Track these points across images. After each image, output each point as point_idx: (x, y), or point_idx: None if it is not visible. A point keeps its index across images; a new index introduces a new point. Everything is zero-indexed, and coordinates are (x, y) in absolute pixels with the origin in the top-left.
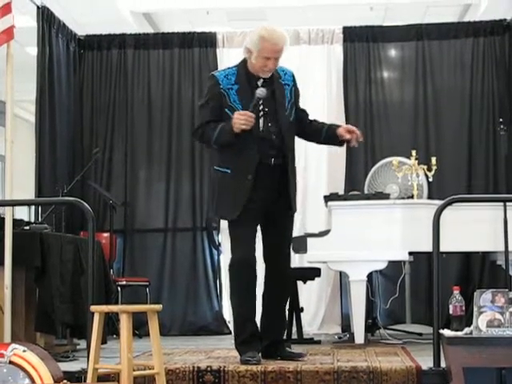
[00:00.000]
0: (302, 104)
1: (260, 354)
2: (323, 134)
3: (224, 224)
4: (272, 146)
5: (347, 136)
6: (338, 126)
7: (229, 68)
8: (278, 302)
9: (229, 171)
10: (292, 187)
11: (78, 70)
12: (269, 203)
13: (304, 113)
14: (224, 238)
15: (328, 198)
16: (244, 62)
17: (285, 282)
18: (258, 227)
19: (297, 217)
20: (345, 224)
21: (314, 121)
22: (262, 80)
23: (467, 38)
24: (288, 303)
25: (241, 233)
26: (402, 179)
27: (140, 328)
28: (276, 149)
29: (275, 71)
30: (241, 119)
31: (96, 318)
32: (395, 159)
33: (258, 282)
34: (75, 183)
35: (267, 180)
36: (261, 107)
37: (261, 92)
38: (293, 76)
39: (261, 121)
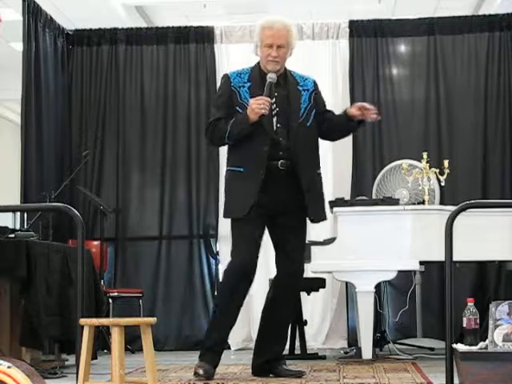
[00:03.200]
0: None
1: (213, 371)
2: (341, 123)
3: (223, 231)
4: (281, 148)
5: (357, 113)
6: (347, 108)
7: (243, 68)
8: (282, 317)
9: (242, 169)
10: (309, 196)
11: (66, 66)
12: (279, 210)
13: (329, 113)
14: (222, 246)
15: (333, 204)
16: (259, 62)
17: (292, 296)
18: (269, 237)
19: None
20: (351, 231)
21: (333, 115)
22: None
23: (482, 32)
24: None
25: (245, 236)
26: (412, 183)
27: (132, 342)
28: (284, 151)
29: (293, 77)
30: (259, 103)
31: (86, 331)
32: (405, 162)
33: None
34: (63, 188)
35: (276, 183)
36: (274, 106)
37: (272, 75)
38: (314, 83)
39: (274, 119)
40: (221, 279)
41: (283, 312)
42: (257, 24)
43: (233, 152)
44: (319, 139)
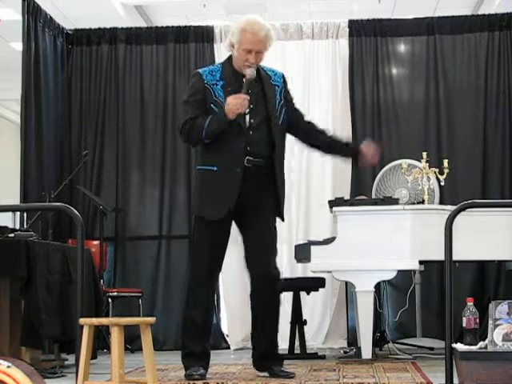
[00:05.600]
0: (306, 103)
1: (204, 371)
2: (338, 146)
3: None
4: (250, 144)
5: (369, 153)
6: (356, 144)
7: (213, 65)
8: (264, 313)
9: (215, 168)
10: (281, 192)
11: (66, 66)
12: (248, 207)
13: (298, 112)
14: None
15: (333, 203)
16: (229, 58)
17: (270, 289)
18: (237, 231)
19: (300, 223)
20: (351, 231)
21: (322, 131)
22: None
23: (482, 32)
24: (290, 316)
25: (212, 240)
26: (411, 183)
27: (132, 342)
28: (255, 148)
29: (265, 72)
30: (238, 102)
31: (85, 331)
32: (405, 162)
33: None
34: (63, 188)
35: (247, 180)
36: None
37: (251, 73)
38: (283, 77)
39: (247, 117)
40: (188, 286)
41: (265, 311)
42: (238, 23)
43: (205, 150)
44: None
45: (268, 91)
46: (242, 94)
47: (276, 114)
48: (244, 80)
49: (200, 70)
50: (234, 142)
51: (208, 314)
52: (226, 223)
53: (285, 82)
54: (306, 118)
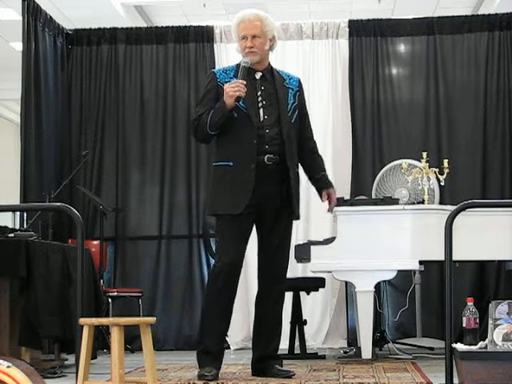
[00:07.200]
0: (306, 103)
1: (216, 372)
2: (313, 179)
3: None
4: (266, 141)
5: (325, 199)
6: (328, 185)
7: (229, 65)
8: (269, 315)
9: (231, 164)
10: (295, 191)
11: (65, 66)
12: (267, 206)
13: (306, 123)
14: None
15: None
16: None
17: (278, 293)
18: (254, 232)
19: (300, 223)
20: (351, 231)
21: (317, 156)
22: (260, 73)
23: (482, 31)
24: (290, 316)
25: (235, 235)
26: (411, 183)
27: (132, 342)
28: (270, 145)
29: (279, 75)
30: (232, 86)
31: (85, 331)
32: (405, 162)
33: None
34: (63, 188)
35: (265, 178)
36: (259, 98)
37: (246, 59)
38: (299, 82)
39: (261, 111)
40: (208, 281)
41: (270, 310)
42: (233, 21)
43: (220, 147)
44: None
45: (280, 92)
46: (238, 79)
47: (287, 112)
48: (240, 67)
49: (215, 70)
50: (246, 138)
51: (230, 309)
52: (245, 219)
53: (300, 86)
54: (310, 135)
